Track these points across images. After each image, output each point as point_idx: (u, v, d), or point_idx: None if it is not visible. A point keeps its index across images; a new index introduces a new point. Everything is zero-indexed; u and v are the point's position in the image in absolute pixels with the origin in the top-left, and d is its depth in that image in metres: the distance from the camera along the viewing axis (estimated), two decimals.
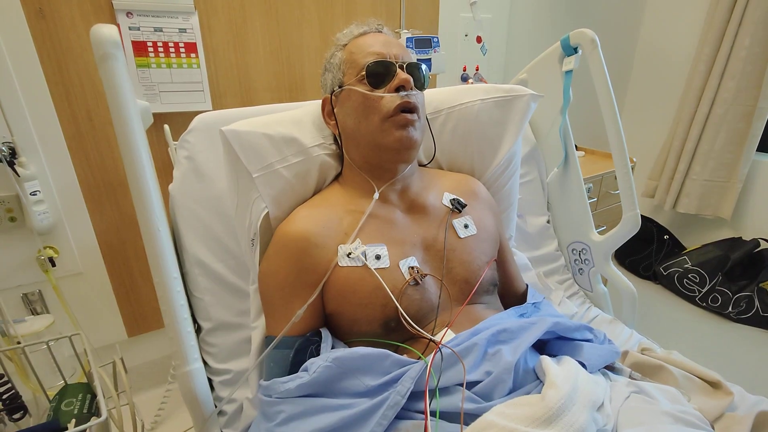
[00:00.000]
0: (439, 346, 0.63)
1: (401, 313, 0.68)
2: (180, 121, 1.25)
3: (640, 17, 2.40)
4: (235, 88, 1.40)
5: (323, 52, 0.87)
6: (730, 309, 1.97)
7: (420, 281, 0.72)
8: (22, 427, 0.85)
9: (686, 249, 2.26)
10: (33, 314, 1.26)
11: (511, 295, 0.92)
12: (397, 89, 0.74)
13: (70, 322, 1.24)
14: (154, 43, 1.23)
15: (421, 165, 0.95)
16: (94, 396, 0.84)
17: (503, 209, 1.04)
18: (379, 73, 0.75)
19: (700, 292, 2.06)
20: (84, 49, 1.16)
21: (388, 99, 0.73)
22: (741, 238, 2.14)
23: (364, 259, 0.72)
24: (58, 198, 1.22)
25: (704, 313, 2.05)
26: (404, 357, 0.64)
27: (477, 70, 1.88)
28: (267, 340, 0.76)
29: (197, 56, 1.30)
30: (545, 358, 0.65)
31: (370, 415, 0.57)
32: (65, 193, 1.23)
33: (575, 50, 1.16)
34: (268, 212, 0.79)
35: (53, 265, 1.23)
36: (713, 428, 0.65)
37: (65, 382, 0.92)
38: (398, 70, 0.75)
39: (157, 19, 1.21)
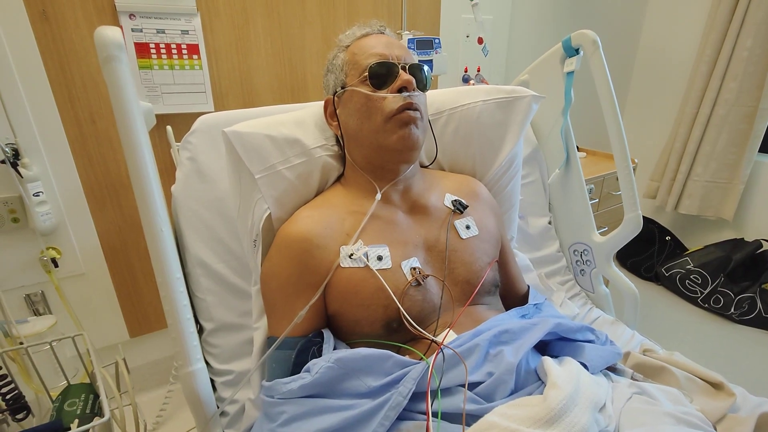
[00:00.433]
0: (441, 346, 0.63)
1: (403, 314, 0.68)
2: (182, 122, 1.25)
3: (641, 18, 2.40)
4: (238, 90, 1.40)
5: (325, 54, 0.87)
6: (732, 310, 1.97)
7: (422, 282, 0.73)
8: (26, 428, 0.85)
9: (688, 250, 2.25)
10: (35, 315, 1.27)
11: (513, 296, 0.92)
12: (400, 90, 0.74)
13: (72, 322, 1.24)
14: (157, 45, 1.23)
15: (422, 166, 0.95)
16: (96, 396, 0.84)
17: (505, 210, 1.04)
18: (381, 74, 0.75)
19: (702, 293, 2.06)
20: (87, 50, 1.17)
21: (391, 100, 0.74)
22: (743, 239, 2.13)
23: (366, 260, 0.72)
24: (60, 199, 1.23)
25: (706, 315, 2.05)
26: (406, 358, 0.64)
27: (478, 71, 1.89)
28: (269, 340, 0.76)
29: (199, 58, 1.30)
30: (547, 359, 0.65)
31: (372, 416, 0.58)
32: (68, 194, 1.24)
33: (577, 51, 1.17)
34: (270, 213, 0.79)
35: (56, 265, 1.23)
36: (715, 429, 0.65)
37: (68, 382, 0.92)
38: (400, 71, 0.75)
39: (159, 20, 1.22)
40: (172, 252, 0.70)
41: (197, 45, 1.29)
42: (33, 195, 1.15)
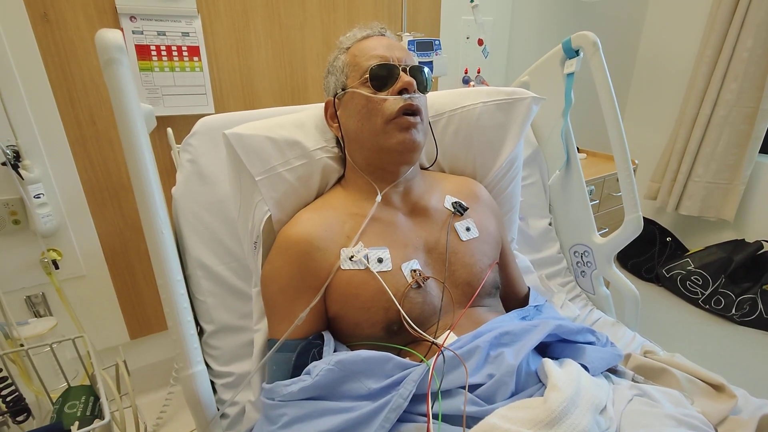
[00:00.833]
0: (442, 348, 0.63)
1: (403, 316, 0.68)
2: (183, 124, 1.25)
3: (641, 19, 2.40)
4: (238, 92, 1.41)
5: (325, 56, 0.87)
6: (733, 311, 1.96)
7: (422, 284, 0.73)
8: (26, 430, 0.85)
9: (689, 251, 2.25)
10: (36, 317, 1.27)
11: (513, 298, 0.92)
12: (400, 92, 0.74)
13: (73, 324, 1.24)
14: (158, 47, 1.24)
15: (423, 168, 0.95)
16: (97, 398, 0.85)
17: (505, 212, 1.04)
18: (382, 76, 0.75)
19: (703, 294, 2.05)
20: (88, 53, 1.17)
21: (391, 101, 0.74)
22: (744, 240, 2.13)
23: (366, 262, 0.72)
24: (61, 201, 1.23)
25: (707, 316, 2.05)
26: (406, 360, 0.64)
27: (479, 72, 1.89)
28: (269, 343, 0.76)
29: (200, 60, 1.30)
30: (547, 361, 0.65)
31: (372, 418, 0.57)
32: (69, 196, 1.24)
33: (577, 53, 1.17)
34: (270, 215, 0.79)
35: (56, 267, 1.23)
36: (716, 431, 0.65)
37: (68, 384, 0.92)
38: (401, 72, 0.75)
39: (160, 23, 1.22)
40: (172, 254, 0.70)
41: (198, 47, 1.29)
42: (34, 197, 1.15)
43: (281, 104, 1.47)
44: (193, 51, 1.29)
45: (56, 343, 0.93)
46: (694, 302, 2.10)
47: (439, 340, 0.68)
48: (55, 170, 1.20)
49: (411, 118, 0.74)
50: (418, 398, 0.60)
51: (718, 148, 2.11)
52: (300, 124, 0.87)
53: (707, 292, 2.04)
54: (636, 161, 1.77)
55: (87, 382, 0.92)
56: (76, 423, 0.76)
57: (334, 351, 0.70)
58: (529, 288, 0.94)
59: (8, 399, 0.84)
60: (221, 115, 0.95)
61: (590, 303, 1.29)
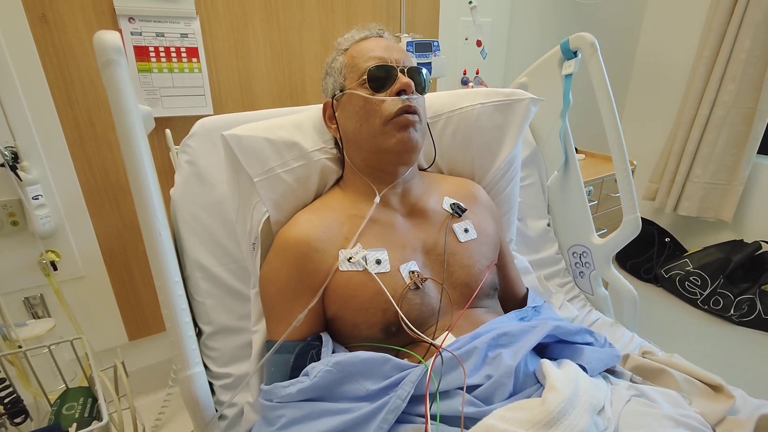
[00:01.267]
0: (440, 349, 0.63)
1: (401, 318, 0.68)
2: (181, 125, 1.25)
3: (640, 20, 2.40)
4: (237, 93, 1.41)
5: (324, 57, 0.87)
6: (731, 312, 1.97)
7: (420, 285, 0.73)
8: (24, 431, 0.85)
9: (687, 252, 2.25)
10: (34, 318, 1.27)
11: (512, 299, 0.92)
12: (398, 93, 0.74)
13: (71, 326, 1.24)
14: (156, 48, 1.24)
15: (421, 169, 0.95)
16: (95, 400, 0.84)
17: (504, 213, 1.04)
18: (380, 77, 0.75)
19: (701, 294, 2.06)
20: (86, 54, 1.17)
21: (390, 103, 0.74)
22: (742, 240, 2.13)
23: (364, 263, 0.72)
24: (60, 202, 1.23)
25: (706, 316, 2.05)
26: (405, 361, 0.64)
27: (477, 73, 1.89)
28: (268, 344, 0.76)
29: (199, 61, 1.30)
30: (546, 362, 0.65)
31: (370, 419, 0.57)
32: (67, 197, 1.24)
33: (575, 54, 1.17)
34: (269, 216, 0.79)
35: (55, 269, 1.23)
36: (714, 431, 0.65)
37: (66, 386, 0.92)
38: (399, 74, 0.75)
39: (159, 24, 1.22)
40: (170, 255, 0.70)
41: (196, 48, 1.29)
42: (32, 198, 1.15)
43: (280, 105, 1.47)
44: (192, 52, 1.29)
45: (54, 344, 0.93)
46: (692, 303, 2.10)
47: (438, 341, 0.68)
48: (54, 171, 1.20)
49: (409, 117, 0.74)
50: (416, 399, 0.60)
51: (716, 148, 2.11)
52: (298, 126, 0.87)
53: (706, 293, 2.04)
54: (634, 162, 1.77)
55: (85, 384, 0.91)
56: (74, 425, 0.76)
57: (333, 352, 0.70)
58: (527, 289, 0.94)
59: (6, 401, 0.84)
60: (220, 117, 0.95)
61: (589, 303, 1.29)
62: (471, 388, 0.61)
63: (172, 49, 1.26)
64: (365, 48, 0.78)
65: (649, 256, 2.36)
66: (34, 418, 0.93)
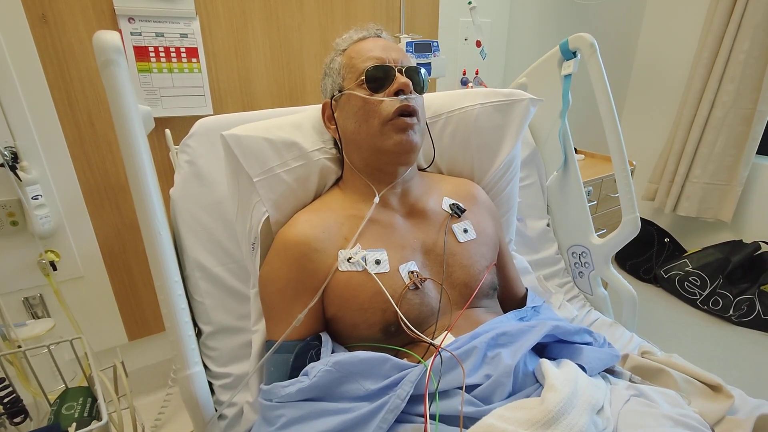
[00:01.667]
0: (439, 349, 0.63)
1: (401, 318, 0.68)
2: (181, 125, 1.25)
3: (639, 21, 2.41)
4: (236, 93, 1.41)
5: (323, 57, 0.87)
6: (731, 312, 1.97)
7: (420, 285, 0.73)
8: (23, 431, 0.85)
9: (687, 252, 2.25)
10: (34, 318, 1.27)
11: (511, 299, 0.92)
12: (397, 93, 0.74)
13: (70, 325, 1.24)
14: (156, 48, 1.24)
15: (420, 169, 0.96)
16: (94, 400, 0.84)
17: (503, 213, 1.04)
18: (378, 78, 0.75)
19: (700, 295, 2.06)
20: (86, 54, 1.17)
21: (388, 103, 0.74)
22: (741, 240, 2.14)
23: (364, 263, 0.72)
24: (59, 202, 1.23)
25: (705, 316, 2.05)
26: (404, 361, 0.64)
27: (476, 74, 1.89)
28: (267, 344, 0.76)
29: (198, 61, 1.30)
30: (545, 362, 0.65)
31: (370, 419, 0.58)
32: (67, 197, 1.24)
33: (574, 54, 1.17)
34: (268, 216, 0.80)
35: (54, 269, 1.23)
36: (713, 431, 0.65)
37: (66, 385, 0.92)
38: (397, 74, 0.75)
39: (158, 24, 1.22)
40: (170, 255, 0.70)
41: (196, 48, 1.29)
42: (32, 198, 1.15)
43: (279, 105, 1.48)
44: (192, 52, 1.29)
45: (54, 344, 0.93)
46: (692, 303, 2.10)
47: (437, 341, 0.68)
48: (53, 171, 1.20)
49: (408, 120, 0.74)
50: (415, 399, 0.60)
51: (715, 149, 2.11)
52: (298, 126, 0.87)
53: (705, 293, 2.04)
54: (634, 162, 1.77)
55: (85, 384, 0.91)
56: (74, 424, 0.76)
57: (332, 352, 0.70)
58: (527, 289, 0.94)
59: (6, 400, 0.84)
60: (219, 117, 0.95)
61: (588, 303, 1.29)
62: (470, 388, 0.61)
63: (172, 49, 1.26)
64: (363, 48, 0.78)
65: (649, 256, 2.36)
66: (34, 417, 0.93)
